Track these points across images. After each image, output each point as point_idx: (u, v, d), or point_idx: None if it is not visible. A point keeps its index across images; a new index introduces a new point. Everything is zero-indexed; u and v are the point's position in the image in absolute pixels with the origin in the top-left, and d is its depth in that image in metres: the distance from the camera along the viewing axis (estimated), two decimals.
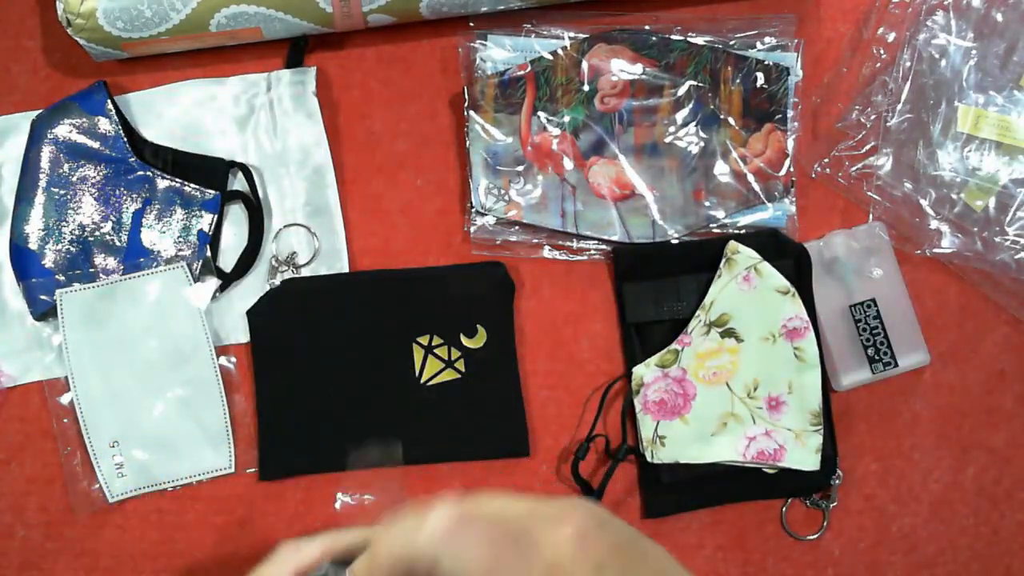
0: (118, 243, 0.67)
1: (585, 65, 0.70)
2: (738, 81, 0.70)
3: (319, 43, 0.71)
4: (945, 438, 0.69)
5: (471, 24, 0.71)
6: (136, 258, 0.67)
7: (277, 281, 0.68)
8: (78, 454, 0.65)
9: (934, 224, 0.69)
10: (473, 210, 0.69)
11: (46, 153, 0.67)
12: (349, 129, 0.71)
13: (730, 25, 0.71)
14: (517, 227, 0.69)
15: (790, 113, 0.70)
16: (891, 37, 0.72)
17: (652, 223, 0.69)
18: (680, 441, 0.66)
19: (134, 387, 0.66)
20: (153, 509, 0.66)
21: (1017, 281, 0.69)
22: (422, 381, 0.67)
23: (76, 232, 0.67)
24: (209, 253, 0.67)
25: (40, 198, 0.67)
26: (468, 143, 0.69)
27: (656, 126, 0.70)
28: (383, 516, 0.44)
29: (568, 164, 0.69)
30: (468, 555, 0.41)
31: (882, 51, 0.72)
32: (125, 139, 0.68)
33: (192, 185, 0.68)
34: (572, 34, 0.71)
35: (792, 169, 0.70)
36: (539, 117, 0.69)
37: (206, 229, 0.68)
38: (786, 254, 0.67)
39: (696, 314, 0.67)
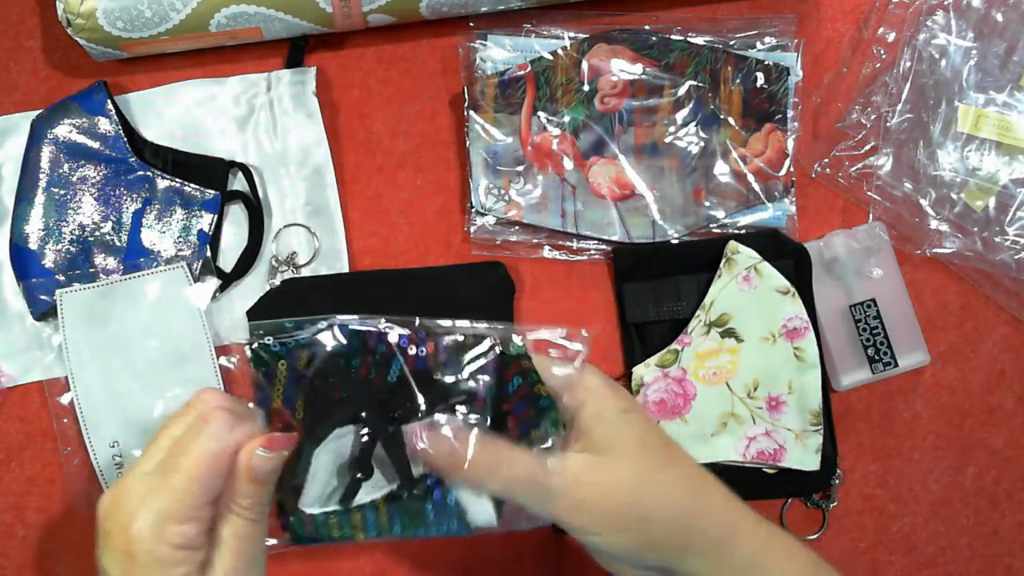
0: (118, 243, 0.67)
1: (585, 65, 0.70)
2: (738, 81, 0.70)
3: (319, 43, 0.71)
4: (945, 438, 0.69)
5: (471, 24, 0.71)
6: (136, 258, 0.67)
7: (277, 281, 0.68)
8: (78, 454, 0.65)
9: (934, 224, 0.69)
10: (473, 210, 0.69)
11: (46, 153, 0.67)
12: (349, 129, 0.71)
13: (730, 25, 0.71)
14: (517, 227, 0.69)
15: (790, 113, 0.70)
16: (891, 37, 0.72)
17: (652, 223, 0.69)
18: (680, 441, 0.65)
19: (134, 387, 0.66)
20: None
21: (1017, 281, 0.69)
22: None
23: (76, 232, 0.67)
24: (209, 253, 0.67)
25: (40, 198, 0.67)
26: (468, 143, 0.69)
27: (656, 126, 0.70)
28: None
29: (568, 164, 0.69)
30: None
31: (882, 51, 0.72)
32: (125, 139, 0.68)
33: (192, 185, 0.68)
34: (572, 34, 0.71)
35: (792, 169, 0.70)
36: (539, 117, 0.69)
37: (206, 229, 0.68)
38: (786, 254, 0.67)
39: (696, 314, 0.67)
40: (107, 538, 0.43)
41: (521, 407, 0.47)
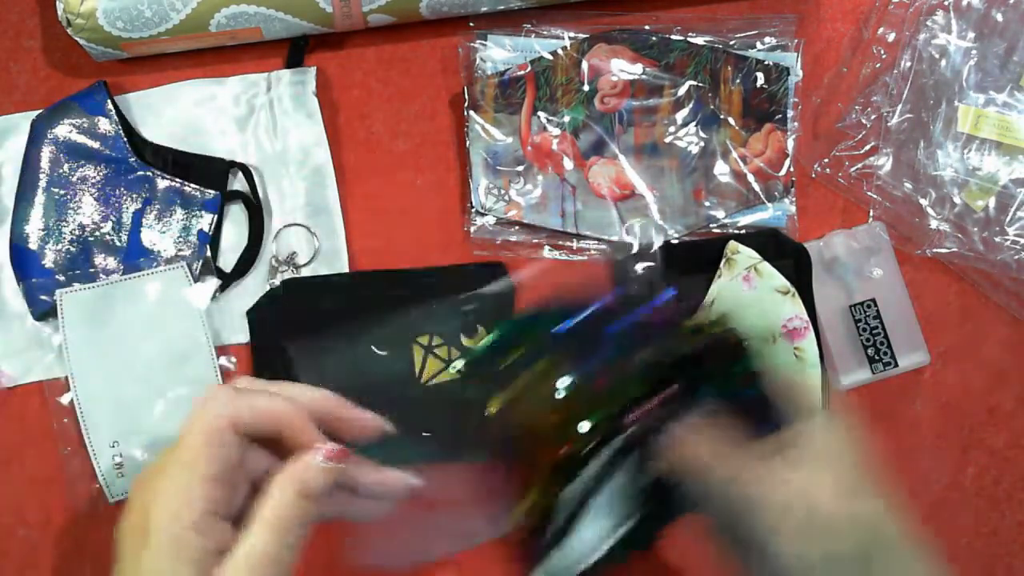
0: (118, 243, 0.67)
1: (585, 65, 0.70)
2: (738, 81, 0.70)
3: (319, 43, 0.71)
4: (945, 438, 0.69)
5: (471, 24, 0.71)
6: (136, 258, 0.67)
7: (277, 281, 0.68)
8: (78, 454, 0.65)
9: (934, 224, 0.69)
10: (473, 210, 0.69)
11: (46, 153, 0.67)
12: (349, 129, 0.71)
13: (730, 25, 0.71)
14: (517, 227, 0.69)
15: (790, 113, 0.70)
16: (891, 37, 0.72)
17: (652, 223, 0.69)
18: None
19: (134, 387, 0.66)
20: None
21: (1017, 281, 0.69)
22: (422, 381, 0.67)
23: (76, 232, 0.67)
24: (209, 253, 0.68)
25: (40, 198, 0.67)
26: (468, 143, 0.69)
27: (656, 126, 0.70)
28: None
29: (568, 164, 0.69)
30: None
31: (882, 51, 0.72)
32: (125, 139, 0.68)
33: (192, 185, 0.68)
34: (572, 34, 0.71)
35: (792, 169, 0.70)
36: (539, 117, 0.69)
37: (206, 229, 0.68)
38: (786, 254, 0.67)
39: (696, 314, 0.67)
40: (128, 512, 0.43)
41: (749, 407, 0.44)
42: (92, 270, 0.66)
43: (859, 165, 0.70)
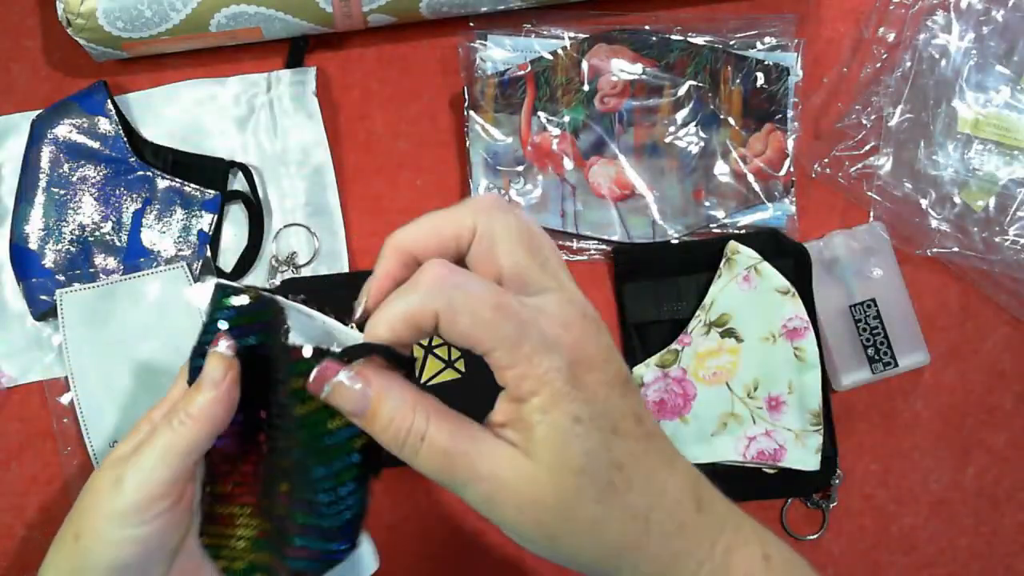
0: (118, 243, 0.67)
1: (585, 65, 0.70)
2: (738, 81, 0.70)
3: (319, 43, 0.71)
4: (945, 438, 0.69)
5: (471, 24, 0.71)
6: (136, 258, 0.67)
7: (277, 281, 0.68)
8: (78, 454, 0.65)
9: (934, 224, 0.69)
10: None
11: (46, 153, 0.67)
12: (349, 129, 0.71)
13: (730, 25, 0.71)
14: None
15: (790, 113, 0.70)
16: (891, 37, 0.72)
17: (652, 223, 0.69)
18: (680, 441, 0.66)
19: (134, 387, 0.66)
20: None
21: (1017, 281, 0.69)
22: (422, 381, 0.67)
23: (76, 232, 0.67)
24: (209, 253, 0.68)
25: (40, 198, 0.67)
26: (468, 143, 0.69)
27: (656, 126, 0.70)
28: None
29: (568, 164, 0.69)
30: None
31: (882, 51, 0.72)
32: (125, 139, 0.68)
33: (192, 185, 0.68)
34: (572, 34, 0.71)
35: (792, 169, 0.70)
36: (539, 117, 0.69)
37: (206, 229, 0.68)
38: (786, 254, 0.67)
39: (696, 314, 0.67)
40: (68, 522, 0.44)
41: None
42: (92, 270, 0.66)
43: (859, 165, 0.70)
